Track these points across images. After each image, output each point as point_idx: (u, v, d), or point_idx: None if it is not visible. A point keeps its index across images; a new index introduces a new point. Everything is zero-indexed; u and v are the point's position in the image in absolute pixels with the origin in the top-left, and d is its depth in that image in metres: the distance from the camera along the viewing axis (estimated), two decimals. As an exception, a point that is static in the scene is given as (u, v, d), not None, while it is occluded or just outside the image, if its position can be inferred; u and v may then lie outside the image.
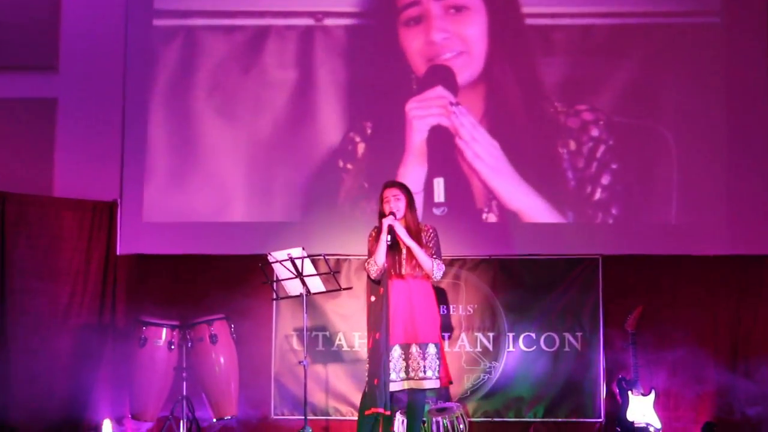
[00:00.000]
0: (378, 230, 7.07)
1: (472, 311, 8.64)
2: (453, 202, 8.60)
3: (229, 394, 8.06)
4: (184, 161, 8.84)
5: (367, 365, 6.91)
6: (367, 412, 6.84)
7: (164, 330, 8.01)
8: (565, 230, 8.61)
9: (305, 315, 7.58)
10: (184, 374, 7.97)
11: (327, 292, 7.73)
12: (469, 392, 8.56)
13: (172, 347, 8.01)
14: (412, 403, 7.08)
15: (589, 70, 8.67)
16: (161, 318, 8.09)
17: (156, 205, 8.80)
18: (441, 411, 7.99)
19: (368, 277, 7.03)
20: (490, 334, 8.60)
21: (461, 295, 8.64)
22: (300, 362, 7.54)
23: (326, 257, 7.57)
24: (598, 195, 8.64)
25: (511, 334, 8.57)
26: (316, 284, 7.61)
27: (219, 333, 8.04)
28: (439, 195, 8.59)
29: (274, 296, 7.95)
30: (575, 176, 8.66)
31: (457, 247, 8.46)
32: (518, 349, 8.59)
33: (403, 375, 6.94)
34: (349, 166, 8.80)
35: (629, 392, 8.22)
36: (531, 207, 8.67)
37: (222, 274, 8.64)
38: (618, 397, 8.29)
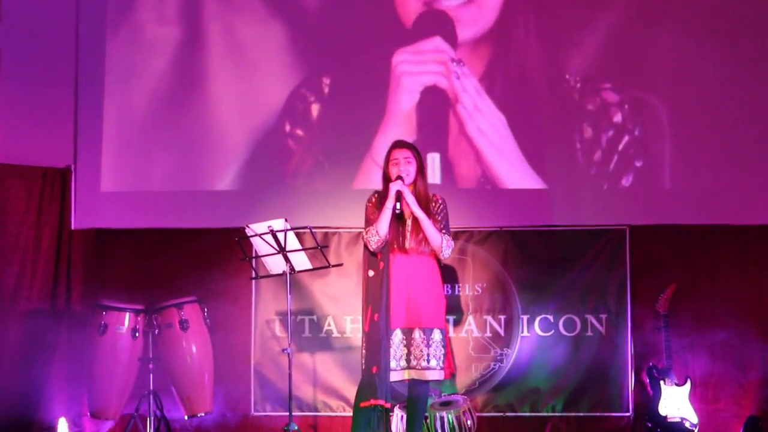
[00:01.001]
0: (379, 196, 6.92)
1: (480, 291, 8.50)
2: (449, 178, 8.48)
3: (202, 389, 7.95)
4: (147, 122, 8.76)
5: (363, 351, 6.78)
6: (363, 404, 6.70)
7: (127, 315, 7.88)
8: (587, 198, 8.52)
9: (289, 296, 7.42)
10: (150, 365, 7.87)
11: (314, 269, 7.57)
12: (477, 383, 8.43)
13: (137, 335, 7.87)
14: (414, 395, 6.93)
15: (628, 42, 8.52)
16: (124, 301, 7.98)
17: (116, 172, 8.73)
18: (445, 405, 7.86)
19: (365, 248, 6.87)
20: (502, 317, 8.47)
21: (468, 273, 8.51)
22: (283, 350, 7.41)
23: (313, 230, 7.39)
24: (618, 161, 8.52)
25: (525, 317, 8.44)
26: (301, 261, 7.43)
27: (190, 318, 7.91)
28: (435, 175, 8.47)
29: (254, 275, 7.78)
30: (589, 151, 8.55)
31: (462, 217, 8.29)
32: (534, 334, 8.45)
33: (404, 363, 6.81)
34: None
35: (661, 382, 8.09)
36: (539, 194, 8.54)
37: (193, 251, 8.55)
38: (648, 388, 8.17)
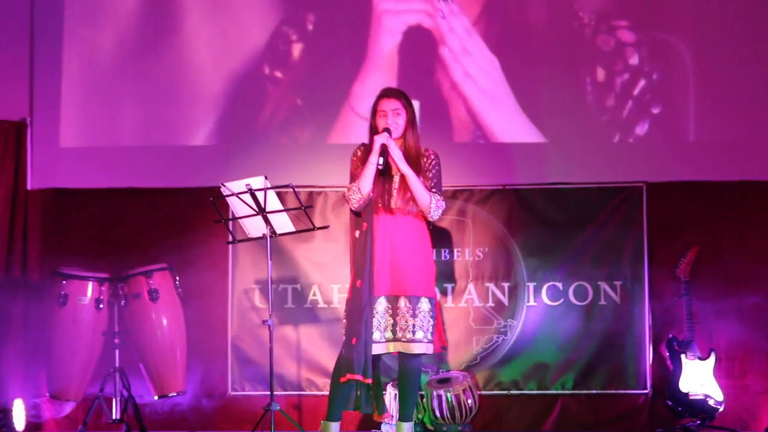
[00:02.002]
0: (366, 149, 6.85)
1: (481, 256, 8.48)
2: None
3: (174, 366, 7.97)
4: (113, 70, 8.73)
5: (344, 321, 6.82)
6: (342, 379, 6.70)
7: (90, 284, 7.88)
8: (598, 151, 8.52)
9: (270, 263, 7.34)
10: (116, 340, 7.88)
11: (297, 232, 7.48)
12: (479, 358, 8.40)
13: (101, 306, 7.88)
14: (405, 371, 6.88)
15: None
16: (86, 269, 7.96)
17: (77, 125, 8.71)
18: (443, 382, 7.95)
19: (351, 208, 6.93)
20: (505, 285, 8.46)
21: (468, 236, 8.49)
22: (264, 323, 7.34)
23: (296, 189, 7.27)
24: (633, 108, 8.51)
25: (531, 285, 8.44)
26: (283, 223, 7.36)
27: (160, 287, 7.94)
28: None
29: (230, 239, 7.67)
30: (600, 97, 8.54)
31: (461, 174, 8.38)
32: (541, 303, 8.44)
33: (389, 335, 6.78)
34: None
35: (682, 356, 8.08)
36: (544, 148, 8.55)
37: (164, 213, 8.56)
38: (668, 362, 8.19)
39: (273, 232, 7.36)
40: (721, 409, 7.95)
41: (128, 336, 7.88)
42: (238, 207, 7.37)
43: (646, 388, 8.27)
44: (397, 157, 6.73)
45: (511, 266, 8.43)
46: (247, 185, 7.18)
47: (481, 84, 8.50)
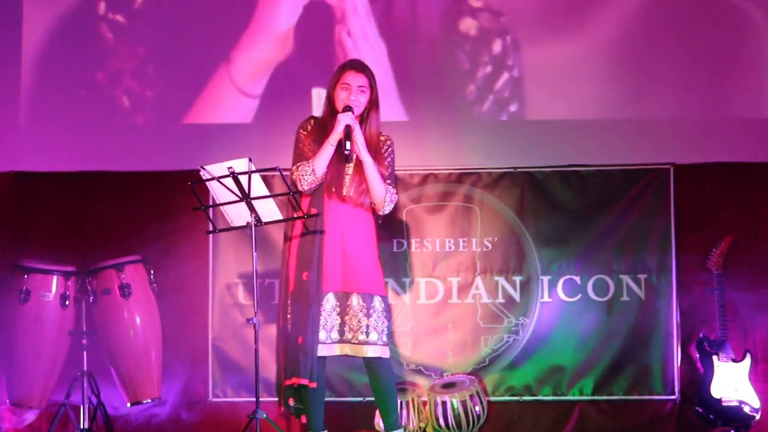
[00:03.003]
0: (318, 123, 6.87)
1: (490, 246, 8.40)
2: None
3: (148, 369, 7.94)
4: (79, 35, 8.69)
5: (288, 317, 6.78)
6: (286, 383, 6.74)
7: (55, 278, 7.81)
8: (620, 130, 8.46)
9: (255, 254, 7.05)
10: (84, 341, 7.82)
11: (285, 220, 7.18)
12: (487, 360, 8.33)
13: (67, 303, 7.80)
14: (375, 376, 6.84)
15: None
16: (50, 262, 7.94)
17: (39, 102, 8.68)
18: (448, 387, 7.93)
19: (294, 186, 6.89)
20: (517, 279, 8.38)
21: (474, 224, 8.41)
22: (248, 321, 7.02)
23: (283, 172, 7.04)
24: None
25: (545, 278, 8.36)
26: (269, 210, 7.10)
27: (133, 282, 7.90)
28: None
29: (211, 228, 7.38)
30: None
31: (464, 155, 8.41)
32: (556, 299, 8.36)
33: (335, 335, 6.76)
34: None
35: (714, 357, 8.04)
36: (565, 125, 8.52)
37: (136, 199, 8.50)
38: (698, 365, 8.13)
39: (258, 220, 7.09)
40: (758, 416, 7.92)
41: (97, 336, 7.83)
42: (219, 193, 7.11)
43: (673, 394, 8.21)
44: (359, 142, 6.69)
45: (523, 258, 8.37)
46: (229, 168, 6.95)
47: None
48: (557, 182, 8.39)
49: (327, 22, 8.56)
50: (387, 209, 6.83)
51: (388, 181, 6.83)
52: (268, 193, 7.14)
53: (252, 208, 7.08)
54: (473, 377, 8.08)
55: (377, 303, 6.79)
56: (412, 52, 8.58)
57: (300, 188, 6.80)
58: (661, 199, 8.28)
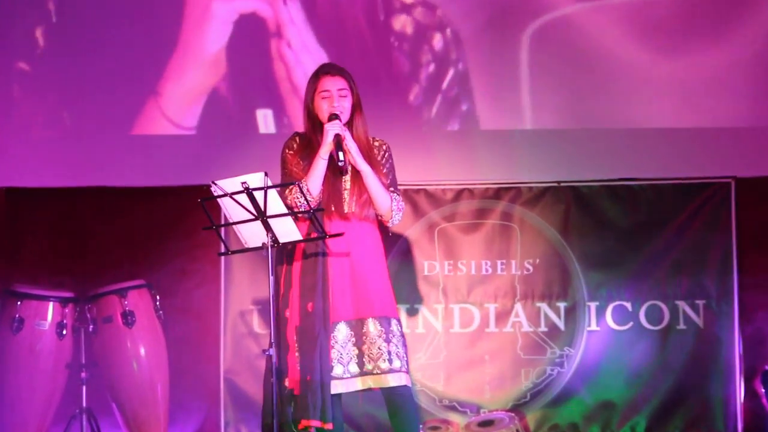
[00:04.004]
0: (303, 139, 6.75)
1: (531, 269, 8.37)
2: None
3: (154, 405, 7.79)
4: (74, 37, 8.62)
5: (296, 353, 6.61)
6: (299, 426, 6.52)
7: (51, 305, 7.69)
8: (674, 141, 8.37)
9: (271, 278, 6.75)
10: (83, 374, 7.72)
11: (304, 241, 6.96)
12: (529, 395, 8.27)
13: (64, 333, 7.68)
14: (398, 407, 6.61)
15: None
16: (46, 287, 7.84)
17: (33, 110, 8.62)
18: (486, 425, 7.91)
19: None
20: (561, 305, 8.35)
21: (514, 245, 8.37)
22: (264, 352, 6.79)
23: (303, 187, 6.88)
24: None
25: (593, 304, 8.29)
26: (287, 229, 6.85)
27: (137, 309, 7.77)
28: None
29: (223, 249, 7.17)
30: None
31: (502, 168, 8.42)
32: (605, 328, 8.29)
33: (354, 369, 6.57)
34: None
35: None
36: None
37: (140, 218, 8.46)
38: (764, 401, 7.98)
39: (275, 240, 6.85)
40: (829, 457, 7.76)
41: (98, 369, 7.75)
42: (232, 210, 6.88)
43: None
44: (353, 151, 6.57)
45: (568, 282, 8.36)
46: (243, 183, 6.73)
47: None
48: (606, 198, 8.34)
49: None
50: (396, 219, 6.71)
51: (391, 189, 6.71)
52: (286, 211, 6.86)
53: (268, 228, 6.83)
54: (513, 414, 8.02)
55: (394, 327, 6.66)
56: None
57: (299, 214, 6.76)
58: (721, 215, 8.23)
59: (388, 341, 6.62)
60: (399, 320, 6.71)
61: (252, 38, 8.61)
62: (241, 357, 8.37)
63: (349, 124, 6.70)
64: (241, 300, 8.41)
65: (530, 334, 8.32)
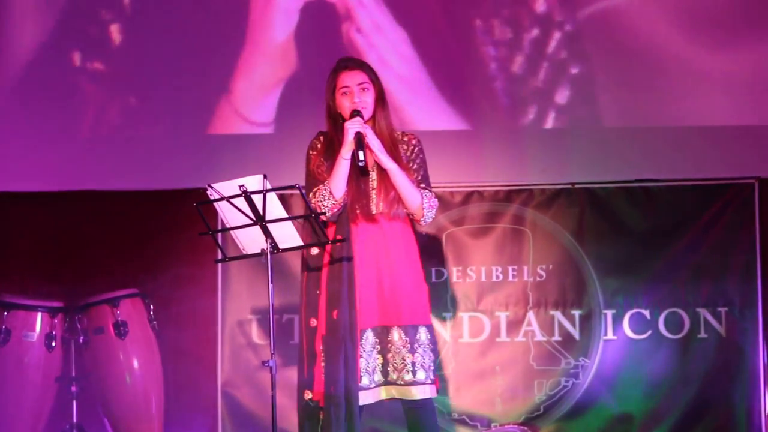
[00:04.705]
0: (327, 139, 6.68)
1: (544, 275, 8.28)
2: None
3: (148, 420, 7.77)
4: (64, 32, 8.58)
5: (322, 364, 6.57)
6: None
7: (39, 316, 7.65)
8: (694, 140, 8.29)
9: (271, 286, 6.68)
10: (73, 388, 7.70)
11: (305, 246, 6.92)
12: (542, 408, 8.20)
13: (53, 344, 7.65)
14: (418, 421, 6.59)
15: None
16: (33, 296, 7.83)
17: (18, 110, 8.58)
18: None
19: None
20: (576, 313, 8.25)
21: (526, 250, 8.31)
22: (264, 363, 6.74)
23: (303, 190, 6.84)
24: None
25: (609, 312, 8.23)
26: (287, 235, 6.78)
27: (130, 319, 7.73)
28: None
29: (220, 256, 7.16)
30: None
31: (513, 169, 8.35)
32: (622, 337, 8.22)
33: (379, 377, 6.53)
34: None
35: None
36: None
37: (133, 223, 8.43)
38: None
39: (275, 246, 6.78)
40: None
41: (89, 382, 7.70)
42: (229, 215, 6.84)
43: (761, 446, 8.10)
44: (376, 148, 6.50)
45: (583, 289, 8.27)
46: (240, 186, 6.68)
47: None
48: (622, 200, 8.27)
49: (331, 23, 8.57)
50: (428, 217, 6.62)
51: (422, 185, 6.66)
52: (287, 216, 6.80)
53: (267, 233, 6.75)
54: (526, 428, 7.91)
55: (422, 335, 6.59)
56: (441, 39, 8.49)
57: (324, 217, 6.68)
58: (744, 218, 8.16)
59: (412, 351, 6.56)
60: (430, 326, 6.66)
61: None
62: (239, 369, 8.31)
63: (372, 120, 6.66)
64: (239, 309, 8.36)
65: (543, 344, 8.25)
